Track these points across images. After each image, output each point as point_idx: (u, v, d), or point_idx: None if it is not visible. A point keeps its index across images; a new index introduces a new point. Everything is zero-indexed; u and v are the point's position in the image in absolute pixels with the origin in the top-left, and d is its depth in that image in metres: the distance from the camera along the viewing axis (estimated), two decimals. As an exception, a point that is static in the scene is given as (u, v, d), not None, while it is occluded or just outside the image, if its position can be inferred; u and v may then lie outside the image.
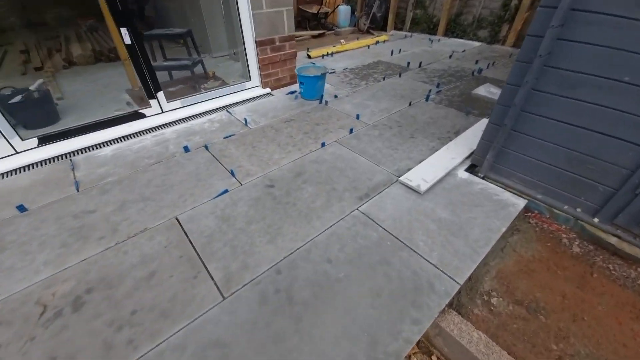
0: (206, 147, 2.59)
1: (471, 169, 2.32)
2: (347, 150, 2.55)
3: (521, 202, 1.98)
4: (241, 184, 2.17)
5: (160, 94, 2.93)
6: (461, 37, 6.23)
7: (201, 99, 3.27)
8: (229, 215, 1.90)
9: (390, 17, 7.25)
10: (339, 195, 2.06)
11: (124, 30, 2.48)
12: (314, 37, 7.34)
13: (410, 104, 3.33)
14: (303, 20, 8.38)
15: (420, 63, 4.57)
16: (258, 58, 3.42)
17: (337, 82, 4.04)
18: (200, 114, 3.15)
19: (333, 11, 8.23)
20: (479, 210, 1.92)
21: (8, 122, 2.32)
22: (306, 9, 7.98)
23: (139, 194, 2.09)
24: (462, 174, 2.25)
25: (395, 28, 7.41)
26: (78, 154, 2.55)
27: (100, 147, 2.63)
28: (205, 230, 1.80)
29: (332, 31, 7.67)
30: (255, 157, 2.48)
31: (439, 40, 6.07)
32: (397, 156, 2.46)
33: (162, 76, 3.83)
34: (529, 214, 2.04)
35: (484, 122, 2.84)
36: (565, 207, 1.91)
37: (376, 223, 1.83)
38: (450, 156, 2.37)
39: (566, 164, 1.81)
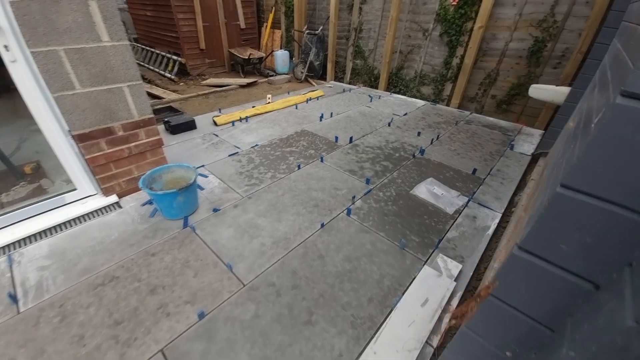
0: None
1: None
2: (172, 384, 1.30)
3: None
4: None
5: None
6: (404, 93, 5.58)
7: (-47, 241, 1.87)
8: None
9: (329, 66, 6.52)
10: None
11: None
12: (242, 86, 6.31)
13: (322, 226, 2.23)
14: (236, 65, 7.40)
15: (352, 138, 3.62)
16: (84, 158, 2.15)
17: (233, 172, 2.88)
18: (-61, 273, 1.75)
19: (268, 56, 7.37)
20: None
21: None
22: (237, 53, 7.02)
23: None
24: None
25: (336, 78, 6.68)
26: None
27: None
28: None
29: (267, 79, 6.73)
30: None
31: (379, 97, 5.33)
32: (266, 398, 1.27)
33: None
34: None
35: (428, 275, 1.80)
36: None
37: None
38: (363, 405, 1.23)
39: None
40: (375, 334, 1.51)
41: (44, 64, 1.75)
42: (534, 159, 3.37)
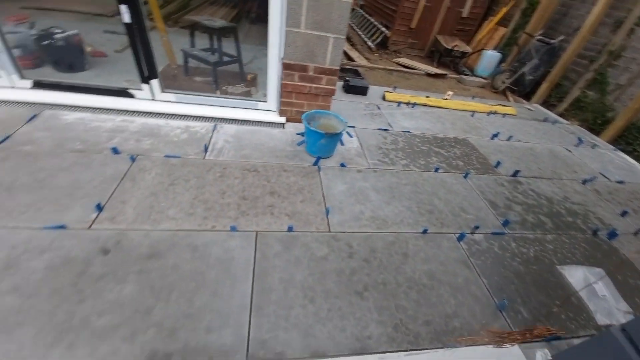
0: (132, 159, 2.20)
1: None
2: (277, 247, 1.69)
3: None
4: (89, 227, 1.68)
5: (155, 82, 2.70)
6: (637, 158, 3.92)
7: (197, 101, 2.90)
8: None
9: (545, 86, 5.28)
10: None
11: (123, 7, 2.27)
12: (429, 75, 6.11)
13: (425, 232, 2.09)
14: (435, 53, 7.15)
15: (518, 172, 2.97)
16: (280, 82, 2.79)
17: (376, 144, 3.01)
18: (186, 116, 2.80)
19: (474, 53, 6.68)
20: None
21: (13, 59, 2.49)
22: (442, 41, 6.73)
23: None
24: None
25: (545, 102, 5.39)
26: (52, 108, 2.57)
27: (71, 110, 2.59)
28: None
29: (459, 76, 6.21)
30: (156, 198, 1.93)
31: (593, 146, 3.98)
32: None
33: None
34: None
35: (512, 356, 1.44)
36: None
37: None
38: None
39: None
40: (410, 352, 1.40)
41: (291, 3, 2.30)
42: None
